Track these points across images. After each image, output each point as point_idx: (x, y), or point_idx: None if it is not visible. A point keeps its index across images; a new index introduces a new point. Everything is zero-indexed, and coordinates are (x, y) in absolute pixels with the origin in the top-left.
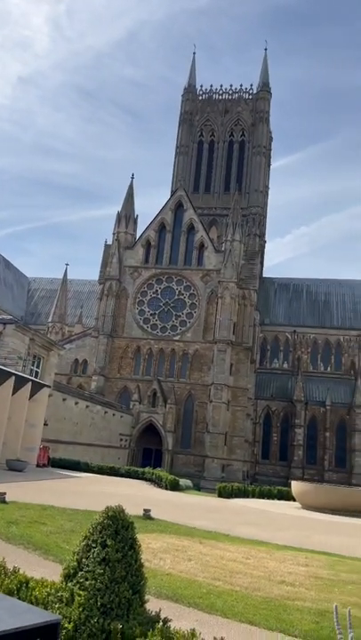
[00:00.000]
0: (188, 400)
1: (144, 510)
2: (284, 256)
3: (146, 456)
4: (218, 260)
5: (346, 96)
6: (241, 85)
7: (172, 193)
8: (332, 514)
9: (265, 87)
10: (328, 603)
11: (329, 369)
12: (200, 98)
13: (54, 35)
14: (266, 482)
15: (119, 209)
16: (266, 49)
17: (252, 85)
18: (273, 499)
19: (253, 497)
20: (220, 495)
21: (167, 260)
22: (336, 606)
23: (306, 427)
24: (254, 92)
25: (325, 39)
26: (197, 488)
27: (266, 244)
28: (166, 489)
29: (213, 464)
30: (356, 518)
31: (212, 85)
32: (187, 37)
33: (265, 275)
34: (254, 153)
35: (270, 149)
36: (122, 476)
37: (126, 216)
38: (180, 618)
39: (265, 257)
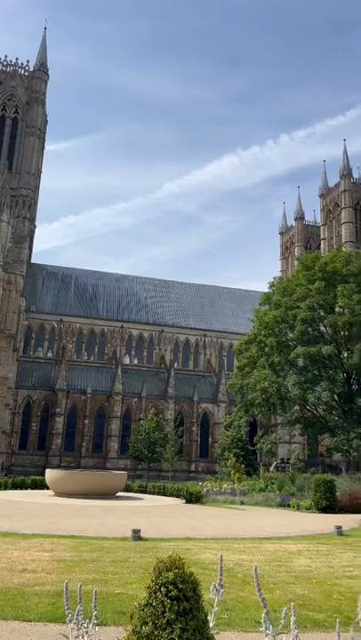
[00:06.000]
0: None
1: None
2: (53, 243)
3: None
4: None
5: (116, 94)
6: (17, 59)
7: None
8: (84, 498)
9: (42, 67)
10: (68, 583)
11: (92, 358)
12: None
13: None
14: (22, 472)
15: None
16: (45, 28)
17: (28, 62)
18: (27, 489)
19: (6, 489)
20: None
21: None
22: (67, 584)
23: (66, 415)
24: (31, 69)
25: (103, 34)
26: None
27: (35, 230)
28: None
29: None
30: (105, 500)
31: None
32: None
33: (33, 260)
34: (28, 133)
35: (45, 132)
36: None
37: None
38: None
39: (34, 242)
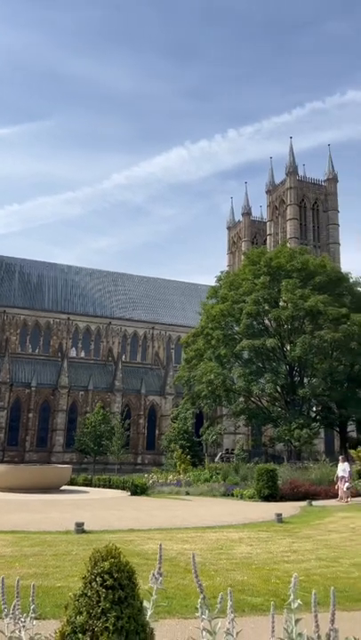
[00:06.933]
0: None
1: None
2: None
3: None
4: None
5: (66, 82)
6: None
7: None
8: (27, 492)
9: None
10: (7, 578)
11: (38, 351)
12: None
13: None
14: None
15: None
16: None
17: None
18: None
19: None
20: None
21: None
22: (2, 579)
23: (9, 409)
24: None
25: (55, 20)
26: None
27: None
28: None
29: None
30: (49, 494)
31: None
32: None
33: None
34: None
35: None
36: None
37: None
38: None
39: None
